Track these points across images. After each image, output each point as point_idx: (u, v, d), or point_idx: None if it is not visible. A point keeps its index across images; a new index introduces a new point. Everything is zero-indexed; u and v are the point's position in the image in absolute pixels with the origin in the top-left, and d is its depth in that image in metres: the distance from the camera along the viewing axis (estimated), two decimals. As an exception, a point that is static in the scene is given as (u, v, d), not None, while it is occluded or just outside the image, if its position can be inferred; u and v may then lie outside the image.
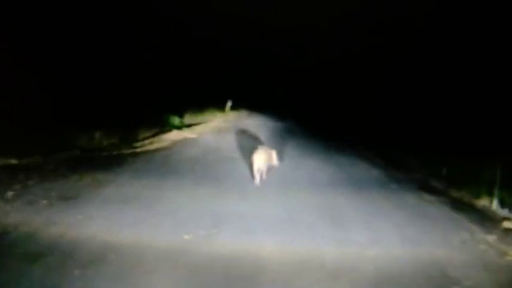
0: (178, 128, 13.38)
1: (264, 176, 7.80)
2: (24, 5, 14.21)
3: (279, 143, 11.43)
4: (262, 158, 7.66)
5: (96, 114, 13.41)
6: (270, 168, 7.93)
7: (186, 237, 4.90)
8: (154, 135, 12.19)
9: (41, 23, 14.44)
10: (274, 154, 7.90)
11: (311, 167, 9.62)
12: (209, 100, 18.32)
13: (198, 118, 15.94)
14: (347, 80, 26.78)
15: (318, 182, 8.25)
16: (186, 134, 12.69)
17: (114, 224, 5.20)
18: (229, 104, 19.15)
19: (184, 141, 11.74)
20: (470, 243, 5.28)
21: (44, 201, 5.92)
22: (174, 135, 12.15)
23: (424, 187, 8.43)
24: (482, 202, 7.37)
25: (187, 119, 15.35)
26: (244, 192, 7.11)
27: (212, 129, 14.16)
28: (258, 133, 13.17)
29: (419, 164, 11.02)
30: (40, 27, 14.42)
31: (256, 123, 15.85)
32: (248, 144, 11.64)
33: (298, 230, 5.41)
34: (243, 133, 13.20)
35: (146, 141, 11.55)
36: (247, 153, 10.50)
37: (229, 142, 12.00)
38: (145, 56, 17.35)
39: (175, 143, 11.35)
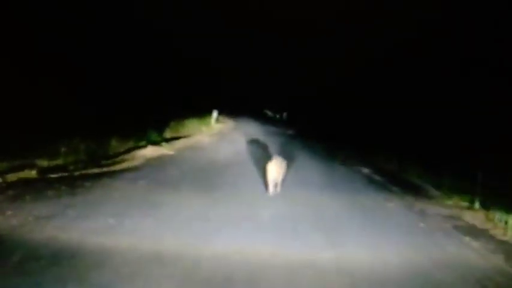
0: (156, 143, 11.55)
1: (278, 188, 7.56)
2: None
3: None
4: (276, 169, 7.45)
5: (63, 124, 11.70)
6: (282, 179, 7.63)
7: None
8: (126, 151, 10.31)
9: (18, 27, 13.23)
10: (285, 165, 7.75)
11: (314, 198, 7.78)
12: (194, 111, 16.64)
13: (181, 131, 14.08)
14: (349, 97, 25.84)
15: (324, 225, 6.35)
16: (163, 150, 10.85)
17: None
18: (214, 115, 17.43)
19: (160, 159, 9.84)
20: None
21: None
22: (149, 151, 10.28)
23: (460, 226, 6.66)
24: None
25: (169, 132, 13.51)
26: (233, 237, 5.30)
27: (193, 145, 12.29)
28: (247, 149, 11.38)
29: (440, 191, 9.35)
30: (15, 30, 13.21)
31: (244, 138, 14.10)
32: (236, 162, 10.00)
33: None
34: (229, 149, 11.43)
35: (117, 159, 9.68)
36: (235, 175, 8.88)
37: (212, 161, 10.26)
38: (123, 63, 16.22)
39: (148, 162, 9.45)
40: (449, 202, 8.32)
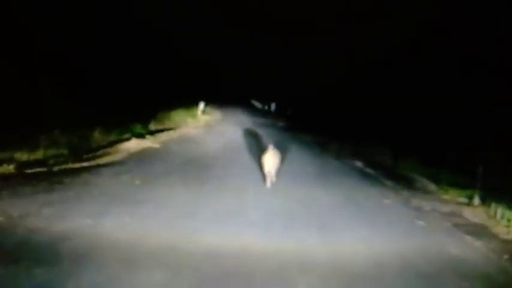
0: (141, 135, 11.15)
1: (269, 180, 7.43)
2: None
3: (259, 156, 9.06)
4: (272, 160, 7.44)
5: (44, 116, 11.33)
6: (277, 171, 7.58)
7: None
8: (109, 145, 9.90)
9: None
10: (279, 156, 7.72)
11: (307, 194, 7.33)
12: (180, 102, 16.30)
13: (166, 123, 13.71)
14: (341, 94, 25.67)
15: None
16: (147, 143, 10.47)
17: None
18: (201, 106, 17.08)
19: (144, 153, 9.42)
20: None
21: None
22: (133, 145, 9.88)
23: (461, 224, 6.23)
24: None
25: (154, 124, 13.12)
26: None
27: (180, 137, 11.89)
28: (235, 141, 10.95)
29: (438, 186, 8.95)
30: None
31: (232, 130, 13.66)
32: (224, 156, 9.65)
33: None
34: (217, 142, 11.06)
35: (99, 152, 9.28)
36: (224, 169, 8.52)
37: (199, 154, 9.85)
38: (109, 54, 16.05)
39: (132, 155, 9.03)
40: (447, 197, 7.92)
